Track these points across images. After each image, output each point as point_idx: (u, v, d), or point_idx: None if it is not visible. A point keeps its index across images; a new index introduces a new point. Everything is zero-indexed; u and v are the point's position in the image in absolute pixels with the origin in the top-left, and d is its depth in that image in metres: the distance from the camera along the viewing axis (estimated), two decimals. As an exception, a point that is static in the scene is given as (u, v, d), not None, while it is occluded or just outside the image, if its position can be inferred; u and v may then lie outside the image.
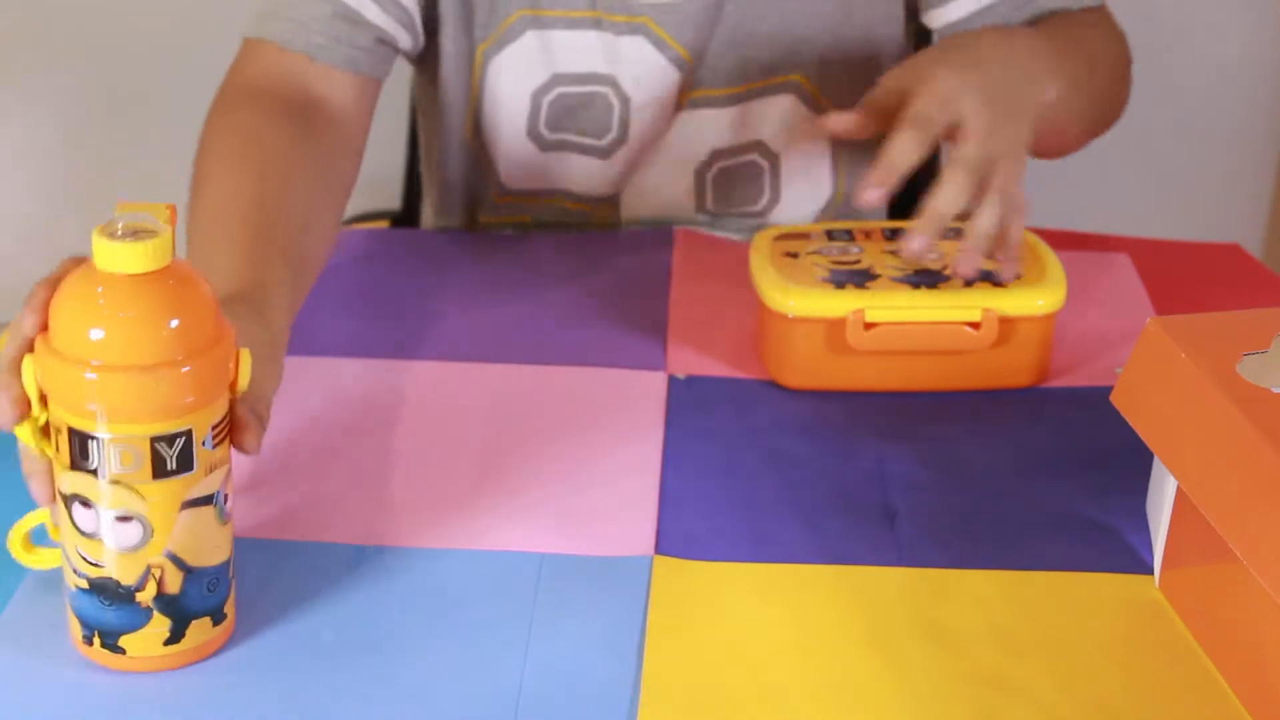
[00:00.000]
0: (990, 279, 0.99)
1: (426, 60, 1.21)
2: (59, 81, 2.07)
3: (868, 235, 1.05)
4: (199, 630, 0.76)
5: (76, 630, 0.76)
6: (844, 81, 1.21)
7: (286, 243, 0.95)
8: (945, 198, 0.95)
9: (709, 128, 1.22)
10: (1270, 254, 2.21)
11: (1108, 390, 0.83)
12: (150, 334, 0.70)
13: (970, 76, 0.99)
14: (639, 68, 1.18)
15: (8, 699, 0.74)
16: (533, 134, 1.21)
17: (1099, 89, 1.16)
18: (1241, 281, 1.17)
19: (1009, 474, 0.92)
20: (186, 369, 0.71)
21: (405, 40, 1.15)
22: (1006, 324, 0.98)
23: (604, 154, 1.22)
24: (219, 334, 0.73)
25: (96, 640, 0.75)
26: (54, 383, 0.71)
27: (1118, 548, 0.86)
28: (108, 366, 0.70)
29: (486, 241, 1.23)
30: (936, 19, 1.18)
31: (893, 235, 1.04)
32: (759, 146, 1.24)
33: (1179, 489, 0.79)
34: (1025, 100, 1.02)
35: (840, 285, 0.98)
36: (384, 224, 1.50)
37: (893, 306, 0.97)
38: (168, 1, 2.05)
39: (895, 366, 0.99)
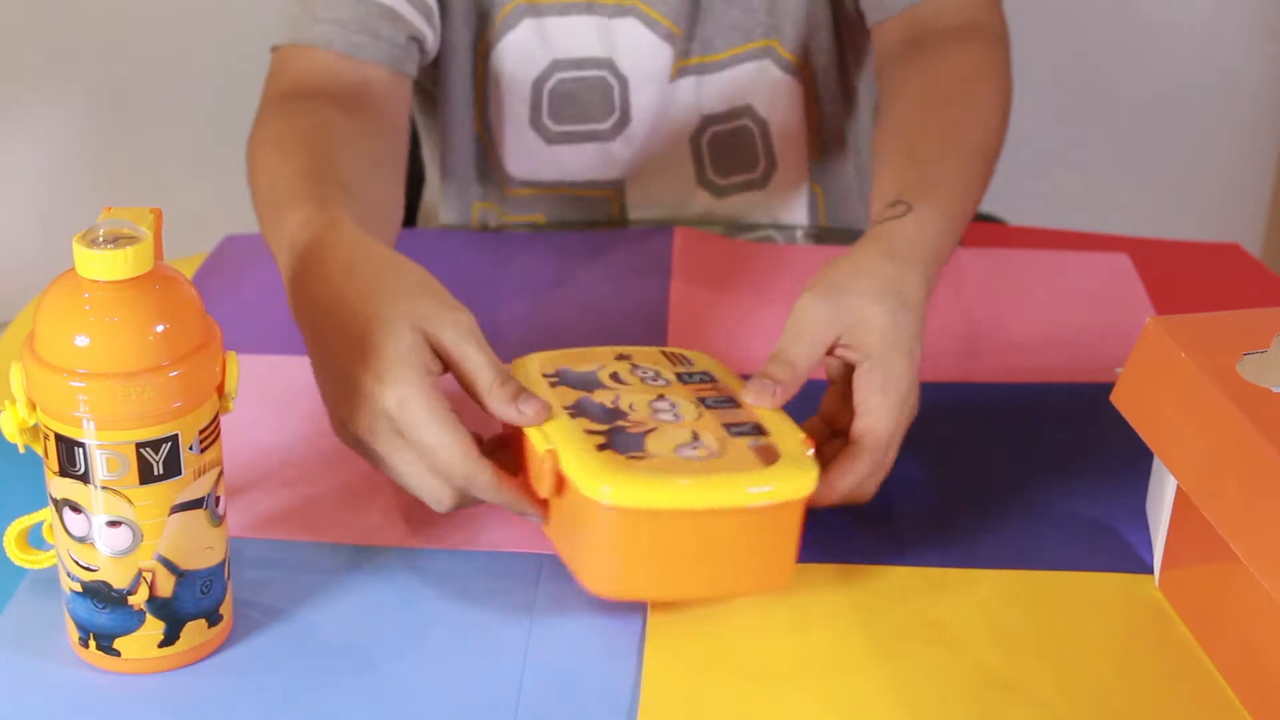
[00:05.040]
0: None
1: (434, 61, 1.22)
2: (65, 82, 2.07)
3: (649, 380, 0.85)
4: (194, 632, 0.76)
5: (73, 632, 0.76)
6: (815, 48, 1.24)
7: (348, 179, 0.94)
8: (846, 484, 0.83)
9: (697, 95, 1.24)
10: (1270, 254, 2.21)
11: (1108, 390, 0.82)
12: (134, 340, 0.70)
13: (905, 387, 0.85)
14: (633, 49, 1.20)
15: (7, 700, 0.74)
16: (536, 125, 1.23)
17: (983, 191, 1.01)
18: (1241, 281, 1.17)
19: (1009, 474, 0.92)
20: (173, 374, 0.70)
21: (431, 39, 1.16)
22: None
23: (608, 137, 1.24)
24: (205, 337, 0.73)
25: (92, 643, 0.75)
26: (40, 390, 0.71)
27: (1118, 548, 0.86)
28: (92, 374, 0.69)
29: (486, 241, 1.23)
30: None
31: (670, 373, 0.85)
32: (748, 112, 1.26)
33: (1179, 489, 0.79)
34: (917, 353, 0.87)
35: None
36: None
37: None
38: (176, 2, 2.05)
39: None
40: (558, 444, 0.77)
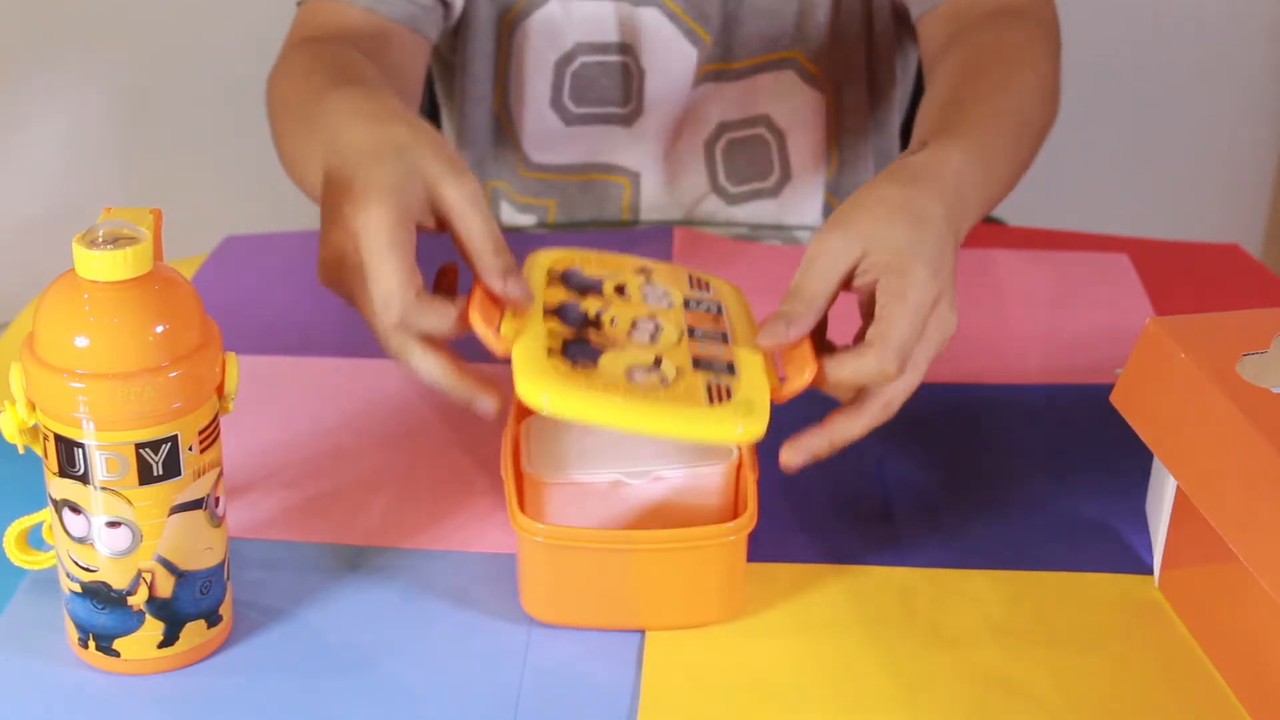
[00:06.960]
0: None
1: (455, 30, 1.23)
2: (65, 83, 2.07)
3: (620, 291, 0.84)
4: (193, 633, 0.76)
5: (72, 633, 0.76)
6: (840, 61, 1.24)
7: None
8: (849, 430, 0.80)
9: (716, 101, 1.24)
10: (1270, 254, 2.21)
11: (1108, 390, 0.82)
12: (134, 341, 0.70)
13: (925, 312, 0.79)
14: (655, 41, 1.20)
15: (7, 700, 0.74)
16: (556, 105, 1.24)
17: (1024, 155, 0.99)
18: (1241, 281, 1.17)
19: (1009, 474, 0.92)
20: (172, 375, 0.70)
21: (458, 3, 1.17)
22: None
23: (625, 121, 1.24)
24: (205, 338, 0.73)
25: (91, 643, 0.75)
26: (39, 391, 0.71)
27: (1118, 548, 0.86)
28: (92, 374, 0.69)
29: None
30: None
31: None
32: (765, 121, 1.26)
33: (1179, 489, 0.79)
34: (950, 286, 0.82)
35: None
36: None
37: None
38: (177, 4, 2.05)
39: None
40: (517, 335, 0.76)
